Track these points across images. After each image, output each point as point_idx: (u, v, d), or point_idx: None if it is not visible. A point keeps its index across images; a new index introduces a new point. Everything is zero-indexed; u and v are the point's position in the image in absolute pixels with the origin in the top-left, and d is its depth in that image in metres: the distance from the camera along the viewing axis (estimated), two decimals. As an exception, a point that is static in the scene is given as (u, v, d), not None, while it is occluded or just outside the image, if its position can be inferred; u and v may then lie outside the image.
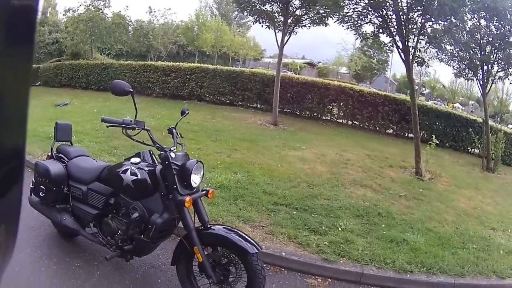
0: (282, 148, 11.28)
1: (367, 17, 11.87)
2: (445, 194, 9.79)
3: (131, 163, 4.23)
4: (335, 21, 12.89)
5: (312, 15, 15.32)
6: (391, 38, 11.68)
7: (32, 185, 4.95)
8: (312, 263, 5.25)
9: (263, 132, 13.65)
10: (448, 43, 13.84)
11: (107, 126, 4.15)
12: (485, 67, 15.01)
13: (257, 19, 15.99)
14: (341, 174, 9.48)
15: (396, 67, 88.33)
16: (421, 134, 15.71)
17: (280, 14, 15.49)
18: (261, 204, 6.83)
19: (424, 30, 11.29)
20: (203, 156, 9.00)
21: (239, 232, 4.08)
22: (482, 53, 14.61)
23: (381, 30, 11.82)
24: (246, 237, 4.02)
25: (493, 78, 15.43)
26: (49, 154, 5.38)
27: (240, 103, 18.90)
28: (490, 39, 14.34)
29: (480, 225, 8.06)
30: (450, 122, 17.76)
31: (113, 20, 31.33)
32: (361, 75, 64.70)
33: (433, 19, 11.05)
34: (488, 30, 14.37)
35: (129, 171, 4.13)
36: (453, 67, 15.94)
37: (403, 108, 17.29)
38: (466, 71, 15.83)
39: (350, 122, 18.52)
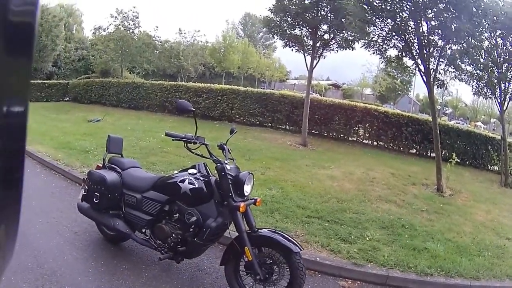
0: (312, 167, 11.80)
1: (391, 41, 12.29)
2: (464, 209, 10.22)
3: (189, 173, 4.69)
4: (361, 46, 13.28)
5: (339, 39, 15.79)
6: (414, 61, 12.15)
7: (84, 192, 5.41)
8: (343, 267, 5.85)
9: (293, 152, 14.20)
10: (466, 64, 14.21)
11: (173, 140, 4.66)
12: (503, 86, 15.39)
13: (287, 43, 16.48)
14: (367, 191, 10.04)
15: (419, 87, 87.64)
16: (442, 153, 16.07)
17: (309, 38, 15.98)
18: (296, 217, 7.42)
19: (444, 52, 11.74)
20: None
21: (283, 234, 4.57)
22: (499, 71, 14.97)
23: (404, 54, 12.27)
24: (290, 238, 4.51)
25: (510, 95, 15.73)
26: (99, 164, 5.85)
27: (270, 124, 19.34)
28: (507, 57, 14.68)
29: (496, 235, 8.49)
30: (470, 141, 18.08)
31: (143, 40, 31.61)
32: (385, 96, 64.37)
33: (451, 42, 11.51)
34: (504, 48, 14.73)
35: (187, 180, 4.59)
36: (472, 86, 16.24)
37: (425, 128, 17.60)
38: (485, 90, 16.05)
39: (375, 143, 18.87)
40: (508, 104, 16.21)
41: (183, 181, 4.62)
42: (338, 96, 58.16)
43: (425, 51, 11.49)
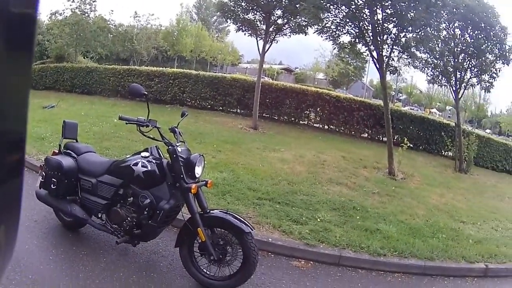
0: (263, 150, 11.83)
1: (345, 27, 12.36)
2: (416, 192, 10.48)
3: (141, 156, 4.73)
4: (315, 32, 13.33)
5: (293, 24, 15.79)
6: (367, 48, 12.29)
7: (42, 179, 5.33)
8: (296, 247, 5.90)
9: (244, 135, 14.19)
10: (422, 52, 14.45)
11: (126, 123, 4.68)
12: (458, 74, 15.84)
13: (240, 27, 16.40)
14: (318, 173, 10.12)
15: (373, 73, 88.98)
16: (395, 138, 16.58)
17: (262, 22, 15.90)
18: (247, 199, 7.43)
19: (398, 40, 11.88)
20: None
21: (235, 215, 4.64)
22: (456, 60, 15.44)
23: (357, 40, 12.36)
24: (241, 218, 4.61)
25: (465, 84, 16.24)
26: (56, 150, 5.75)
27: (221, 108, 19.26)
28: (464, 47, 15.13)
29: (450, 218, 8.77)
30: (424, 126, 18.43)
31: (98, 24, 31.11)
32: (337, 81, 65.20)
33: (405, 30, 11.67)
34: (462, 39, 15.15)
35: (139, 163, 4.62)
36: (427, 74, 16.58)
37: (378, 113, 17.83)
38: (440, 78, 16.54)
39: (326, 127, 19.02)
40: (463, 92, 16.82)
41: (136, 164, 4.66)
42: (290, 80, 58.23)
43: (378, 39, 11.63)
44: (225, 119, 16.92)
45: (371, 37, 11.84)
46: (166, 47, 52.13)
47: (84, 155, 5.48)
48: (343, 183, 9.61)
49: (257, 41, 16.16)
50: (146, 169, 4.58)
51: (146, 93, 4.73)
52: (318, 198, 8.10)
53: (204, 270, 4.74)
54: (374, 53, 11.91)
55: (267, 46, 15.98)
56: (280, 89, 18.74)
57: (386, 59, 12.07)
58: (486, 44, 14.86)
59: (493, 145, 19.90)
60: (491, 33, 14.65)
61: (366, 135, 18.96)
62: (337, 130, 18.86)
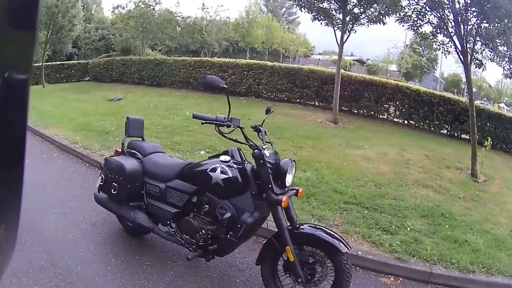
0: (345, 147, 11.38)
1: (425, 16, 11.84)
2: (498, 197, 9.82)
3: (221, 160, 4.12)
4: (396, 21, 12.90)
5: (370, 13, 15.29)
6: (449, 39, 11.62)
7: (101, 182, 4.90)
8: (386, 262, 5.46)
9: (324, 130, 13.79)
10: (502, 45, 13.73)
11: (202, 123, 4.11)
12: None
13: (316, 16, 15.96)
14: (404, 174, 9.65)
15: (444, 66, 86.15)
16: (479, 136, 15.82)
17: (338, 11, 15.46)
18: (333, 203, 7.02)
19: (480, 31, 11.19)
20: None
21: (328, 231, 4.04)
22: None
23: (439, 30, 11.77)
24: (337, 235, 3.98)
25: None
26: (118, 149, 5.35)
27: (298, 100, 18.90)
28: None
29: None
30: (501, 124, 17.36)
31: (164, 16, 31.37)
32: (410, 73, 63.78)
33: (485, 21, 10.97)
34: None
35: (218, 169, 4.02)
36: (503, 68, 15.77)
37: (457, 108, 17.05)
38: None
39: (405, 122, 18.33)
40: None
41: (214, 169, 4.05)
42: (363, 72, 56.92)
43: (462, 29, 10.97)
44: (303, 112, 16.59)
45: (454, 27, 11.16)
46: (237, 38, 51.89)
47: (151, 156, 4.98)
48: (430, 186, 9.11)
49: (334, 31, 15.66)
50: (226, 176, 3.97)
51: (225, 86, 4.13)
52: (406, 203, 7.66)
53: None
54: (458, 45, 11.22)
55: (345, 36, 15.45)
56: (360, 82, 18.11)
57: (471, 52, 11.35)
58: None
59: None
60: None
61: (445, 131, 18.07)
62: (417, 125, 18.07)
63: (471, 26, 11.14)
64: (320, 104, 18.60)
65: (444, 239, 6.43)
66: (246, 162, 4.19)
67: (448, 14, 11.26)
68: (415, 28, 12.51)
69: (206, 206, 4.18)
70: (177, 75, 22.26)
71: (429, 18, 11.86)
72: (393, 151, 11.68)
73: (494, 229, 7.41)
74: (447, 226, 6.96)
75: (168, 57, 26.92)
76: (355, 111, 18.35)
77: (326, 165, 9.23)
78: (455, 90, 63.09)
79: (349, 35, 15.61)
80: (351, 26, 15.39)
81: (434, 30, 11.99)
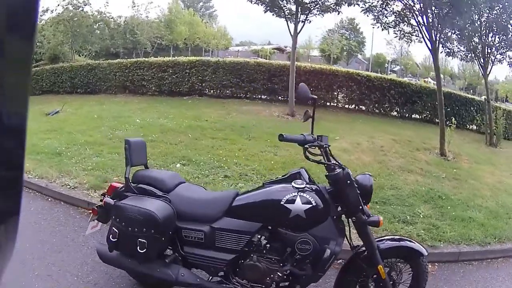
0: None
1: (389, 6, 12.74)
2: (472, 172, 10.94)
3: (294, 187, 3.52)
4: (361, 11, 13.69)
5: (321, 3, 15.66)
6: (416, 27, 12.54)
7: (113, 238, 3.71)
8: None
9: (286, 124, 14.18)
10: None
11: (305, 154, 3.62)
12: (487, 51, 16.39)
13: (267, 8, 16.19)
14: (385, 162, 10.34)
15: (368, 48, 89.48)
16: (425, 116, 17.15)
17: (290, 2, 15.78)
18: None
19: (445, 21, 12.08)
20: (250, 157, 9.25)
21: (407, 238, 4.18)
22: (485, 38, 15.87)
23: (405, 19, 12.68)
24: (413, 240, 4.16)
25: (493, 60, 16.90)
26: (115, 184, 4.34)
27: (246, 95, 19.10)
28: (492, 25, 15.44)
29: (510, 196, 9.40)
30: (451, 102, 18.83)
31: (94, 18, 30.70)
32: (335, 58, 65.95)
33: (451, 11, 11.82)
34: (490, 17, 15.32)
35: (298, 199, 3.45)
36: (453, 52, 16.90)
37: (408, 90, 18.57)
38: (471, 55, 17.03)
39: (356, 107, 19.31)
40: (491, 68, 17.42)
41: (292, 200, 3.45)
42: (283, 59, 57.99)
43: (430, 17, 11.86)
44: (255, 107, 16.77)
45: (421, 16, 12.06)
46: (161, 36, 51.12)
47: (177, 190, 4.00)
48: (413, 170, 9.92)
49: (287, 23, 16.02)
50: (310, 206, 3.44)
51: (315, 96, 3.81)
52: (404, 191, 8.29)
53: None
54: (426, 34, 12.14)
55: (299, 26, 15.79)
56: (310, 72, 18.64)
57: (438, 38, 12.25)
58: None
59: None
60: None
61: (395, 113, 19.42)
62: (369, 110, 19.13)
63: (436, 15, 12.08)
64: (269, 97, 19.00)
65: (452, 219, 7.24)
66: (317, 184, 3.72)
67: (413, 4, 12.15)
68: (378, 19, 13.41)
69: (272, 242, 3.66)
70: (113, 80, 21.60)
71: (393, 8, 12.82)
72: (363, 140, 12.35)
73: (485, 203, 8.48)
74: (449, 207, 7.78)
75: (103, 61, 26.21)
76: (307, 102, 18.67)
77: (316, 164, 9.28)
78: (378, 70, 66.15)
79: (303, 25, 15.96)
80: (305, 17, 15.75)
81: (396, 19, 12.85)
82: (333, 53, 64.00)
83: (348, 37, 64.00)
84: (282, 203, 3.46)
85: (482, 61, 16.76)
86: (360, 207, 3.56)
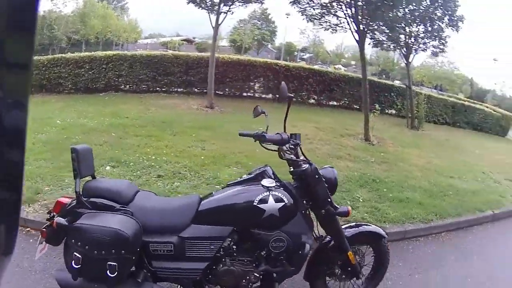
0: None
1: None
2: (399, 155, 11.43)
3: (264, 186, 3.45)
4: (289, 3, 13.82)
5: None
6: (344, 18, 12.80)
7: (76, 264, 3.15)
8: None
9: (207, 117, 13.97)
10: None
11: (262, 145, 3.61)
12: (410, 40, 17.34)
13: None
14: (314, 150, 10.44)
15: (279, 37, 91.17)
16: (343, 102, 17.70)
17: None
18: None
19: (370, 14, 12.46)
20: (179, 154, 8.93)
21: (362, 222, 4.64)
22: (408, 27, 16.77)
23: (327, 12, 12.83)
24: (373, 225, 4.47)
25: (415, 49, 17.91)
26: (63, 200, 3.65)
27: (163, 89, 18.71)
28: (416, 15, 16.13)
29: (441, 176, 9.99)
30: (371, 88, 19.05)
31: None
32: (245, 48, 66.64)
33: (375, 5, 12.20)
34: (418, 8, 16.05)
35: (270, 198, 3.37)
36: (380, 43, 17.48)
37: (326, 79, 19.08)
38: (394, 45, 17.99)
39: (272, 97, 19.41)
40: (413, 57, 18.59)
41: (264, 200, 3.37)
42: (191, 50, 58.16)
43: (354, 10, 12.17)
44: (173, 101, 16.43)
45: (349, 8, 12.33)
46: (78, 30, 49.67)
47: (136, 201, 3.59)
48: (342, 157, 10.15)
49: (209, 15, 15.82)
50: (283, 203, 3.39)
51: (291, 95, 3.67)
52: (339, 176, 8.20)
53: None
54: (354, 26, 12.45)
55: (221, 18, 15.67)
56: (227, 63, 18.63)
57: (365, 30, 12.67)
58: (437, 11, 16.16)
59: (434, 102, 22.38)
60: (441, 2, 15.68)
61: (313, 101, 19.79)
62: (287, 99, 19.22)
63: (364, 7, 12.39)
64: (185, 90, 18.73)
65: (391, 201, 7.51)
66: (279, 180, 3.62)
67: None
68: (303, 11, 13.64)
69: (246, 245, 3.58)
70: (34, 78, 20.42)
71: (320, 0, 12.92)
72: (294, 130, 12.06)
73: (418, 183, 8.92)
74: (384, 190, 8.05)
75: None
76: (221, 93, 18.75)
77: (246, 156, 9.22)
78: (288, 58, 67.54)
79: (225, 17, 15.81)
80: (229, 7, 15.59)
81: (323, 11, 12.95)
82: (245, 43, 64.62)
83: (260, 27, 64.71)
84: (255, 204, 3.36)
85: (405, 50, 17.65)
86: (329, 199, 3.63)
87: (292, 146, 3.63)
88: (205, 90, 16.92)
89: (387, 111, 20.57)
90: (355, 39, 12.59)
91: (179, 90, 18.87)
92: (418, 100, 18.97)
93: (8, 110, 0.93)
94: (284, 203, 3.37)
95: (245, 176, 3.73)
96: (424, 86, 57.96)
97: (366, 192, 7.80)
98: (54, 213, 3.61)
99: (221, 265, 3.47)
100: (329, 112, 17.80)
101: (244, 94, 19.31)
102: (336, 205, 3.71)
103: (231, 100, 17.95)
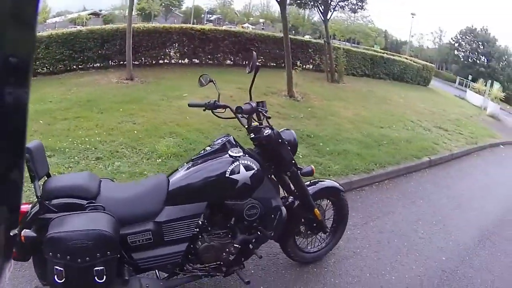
0: (168, 100, 11.50)
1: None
2: (326, 108, 11.91)
3: (232, 156, 3.42)
4: None
5: None
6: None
7: (59, 279, 2.77)
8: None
9: (130, 89, 13.55)
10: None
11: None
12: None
13: None
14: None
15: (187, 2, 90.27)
16: (260, 61, 18.02)
17: None
18: None
19: None
20: (111, 131, 8.56)
21: (322, 179, 4.63)
22: None
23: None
24: (329, 180, 4.77)
25: (333, 8, 19.19)
26: (23, 207, 3.13)
27: (79, 66, 17.89)
28: None
29: (371, 126, 10.56)
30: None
31: None
32: (152, 15, 66.13)
33: None
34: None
35: (241, 167, 3.37)
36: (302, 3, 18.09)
37: (242, 39, 19.36)
38: (312, 3, 19.02)
39: (189, 61, 19.54)
40: (331, 14, 19.81)
41: (235, 170, 3.36)
42: (99, 23, 56.69)
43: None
44: (92, 77, 15.71)
45: None
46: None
47: (103, 193, 3.28)
48: (272, 115, 9.91)
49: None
50: (253, 171, 3.42)
51: (259, 65, 3.75)
52: None
53: (308, 247, 4.55)
54: None
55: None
56: (143, 32, 18.37)
57: None
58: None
59: (352, 55, 23.24)
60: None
61: (230, 61, 20.15)
62: (203, 62, 19.50)
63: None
64: (102, 64, 18.15)
65: (330, 154, 7.92)
66: (242, 147, 3.65)
67: None
68: None
69: (219, 218, 3.55)
70: None
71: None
72: (211, 94, 11.78)
73: (351, 135, 9.47)
74: (321, 144, 8.44)
75: None
76: (137, 63, 18.26)
77: (178, 125, 9.13)
78: (195, 21, 67.56)
79: None
80: None
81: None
82: (154, 10, 63.86)
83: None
84: (227, 175, 3.33)
85: (323, 8, 18.42)
86: (293, 161, 3.76)
87: (265, 114, 3.74)
88: (122, 62, 16.66)
89: (304, 66, 20.94)
90: (276, 0, 12.73)
91: (95, 65, 18.23)
92: (337, 54, 19.81)
93: (8, 110, 0.95)
94: (254, 170, 3.40)
95: (208, 149, 3.62)
96: (336, 40, 58.95)
97: (303, 148, 8.04)
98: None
99: (199, 243, 3.42)
100: (244, 72, 17.61)
101: (161, 61, 19.09)
102: (299, 166, 3.89)
103: (148, 69, 17.68)
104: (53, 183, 3.22)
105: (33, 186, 3.05)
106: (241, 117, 3.66)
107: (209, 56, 19.55)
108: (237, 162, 3.37)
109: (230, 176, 3.33)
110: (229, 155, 3.41)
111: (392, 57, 27.96)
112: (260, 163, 3.50)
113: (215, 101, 3.67)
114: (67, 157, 7.16)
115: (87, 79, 15.36)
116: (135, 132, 8.54)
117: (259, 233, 3.61)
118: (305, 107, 11.52)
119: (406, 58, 30.56)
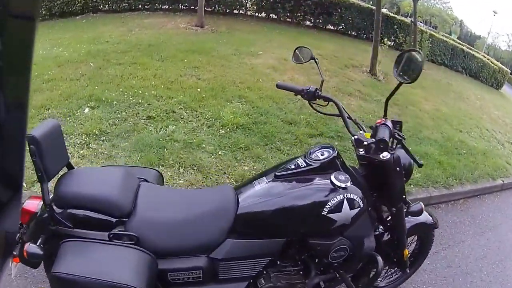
0: (240, 56, 10.76)
1: None
2: (407, 96, 10.96)
3: (339, 187, 2.52)
4: None
5: None
6: None
7: None
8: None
9: (198, 37, 12.88)
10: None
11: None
12: None
13: None
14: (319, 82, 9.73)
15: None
16: (342, 27, 18.64)
17: None
18: (299, 141, 6.58)
19: None
20: (169, 85, 7.90)
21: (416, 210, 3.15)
22: None
23: None
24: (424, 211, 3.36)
25: None
26: (28, 209, 2.39)
27: (145, 6, 17.35)
28: None
29: (451, 127, 9.79)
30: (372, 17, 18.51)
31: None
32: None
33: None
34: None
35: (345, 203, 2.52)
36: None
37: (325, 2, 18.46)
38: None
39: (268, 16, 18.83)
40: None
41: (337, 208, 2.52)
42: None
43: None
44: (158, 19, 15.21)
45: None
46: None
47: (140, 211, 2.47)
48: (352, 94, 9.70)
49: None
50: (358, 209, 2.58)
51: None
52: (357, 116, 7.32)
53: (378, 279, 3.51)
54: None
55: None
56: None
57: None
58: None
59: (435, 41, 22.26)
60: None
61: (309, 23, 19.33)
62: (281, 19, 18.78)
63: None
64: (171, 7, 17.51)
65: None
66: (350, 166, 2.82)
67: None
68: None
69: (294, 253, 2.80)
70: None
71: None
72: (286, 54, 10.91)
73: (431, 135, 8.73)
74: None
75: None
76: (210, 10, 17.37)
77: (249, 88, 8.38)
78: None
79: None
80: None
81: None
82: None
83: None
84: (324, 213, 2.49)
85: None
86: (404, 196, 2.84)
87: (401, 136, 2.71)
88: (193, 7, 16.11)
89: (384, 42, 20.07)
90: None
91: (163, 7, 17.64)
92: (422, 37, 19.10)
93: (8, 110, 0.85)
94: (359, 208, 2.56)
95: (301, 162, 2.67)
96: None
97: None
98: (24, 225, 2.44)
99: (262, 281, 2.67)
100: (328, 37, 17.11)
101: (235, 11, 18.33)
102: (408, 200, 2.92)
103: (222, 18, 16.91)
104: (70, 186, 2.44)
105: (41, 189, 2.30)
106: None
107: (288, 14, 18.70)
108: (341, 196, 2.50)
109: (328, 215, 2.49)
110: (332, 182, 2.52)
111: (471, 52, 26.87)
112: (365, 193, 2.64)
113: (316, 89, 2.96)
114: (114, 111, 6.53)
115: (152, 21, 14.83)
116: (198, 90, 7.83)
117: (337, 275, 2.86)
118: (386, 90, 10.47)
119: (484, 56, 29.27)
